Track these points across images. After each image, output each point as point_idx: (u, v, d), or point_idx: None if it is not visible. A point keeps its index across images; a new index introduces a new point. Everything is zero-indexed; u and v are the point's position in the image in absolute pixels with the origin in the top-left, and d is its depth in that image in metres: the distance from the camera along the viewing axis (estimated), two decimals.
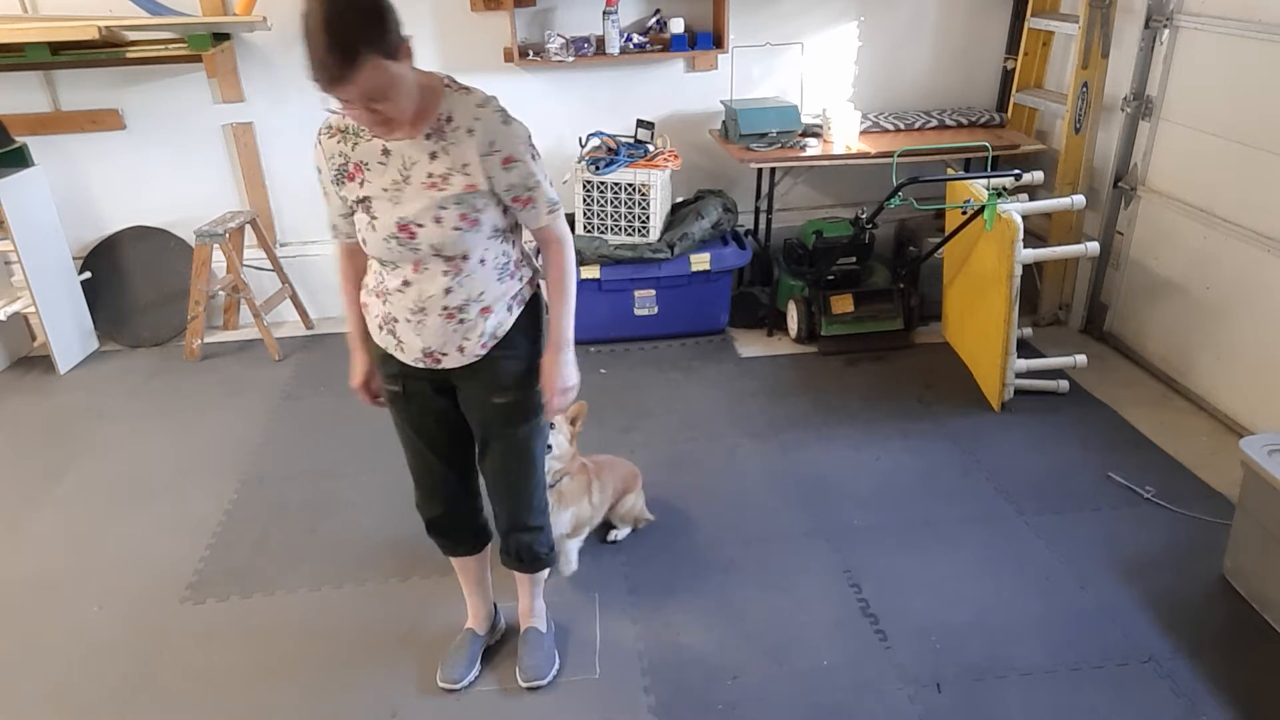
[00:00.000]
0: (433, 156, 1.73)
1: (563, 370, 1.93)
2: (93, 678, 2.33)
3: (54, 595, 2.63)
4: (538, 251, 2.00)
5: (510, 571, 2.29)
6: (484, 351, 1.90)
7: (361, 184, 1.78)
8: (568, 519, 2.52)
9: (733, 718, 2.16)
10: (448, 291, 1.81)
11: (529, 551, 2.19)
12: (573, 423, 2.51)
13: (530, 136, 1.80)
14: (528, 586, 2.33)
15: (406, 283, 1.82)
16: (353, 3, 1.53)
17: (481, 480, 2.16)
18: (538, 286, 2.00)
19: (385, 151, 1.75)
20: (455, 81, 1.78)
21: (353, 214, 1.84)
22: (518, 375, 1.95)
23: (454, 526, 2.20)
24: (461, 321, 1.85)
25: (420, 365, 1.90)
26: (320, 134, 1.80)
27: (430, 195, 1.74)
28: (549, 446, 2.31)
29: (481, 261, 1.83)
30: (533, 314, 1.97)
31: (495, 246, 1.84)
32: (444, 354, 1.88)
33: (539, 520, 2.16)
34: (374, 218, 1.77)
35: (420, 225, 1.75)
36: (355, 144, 1.77)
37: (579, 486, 2.55)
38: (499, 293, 1.87)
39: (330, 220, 1.92)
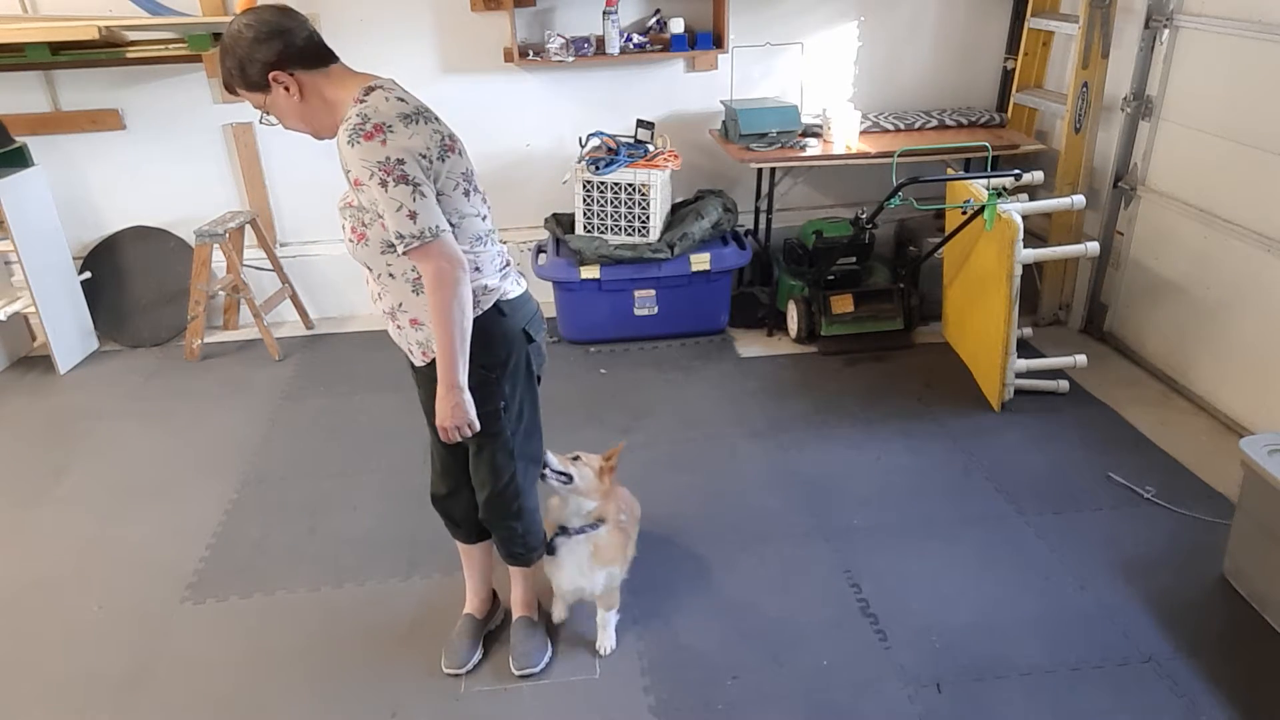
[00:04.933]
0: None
1: (442, 406, 1.85)
2: (93, 678, 2.33)
3: (54, 595, 2.63)
4: (506, 265, 1.99)
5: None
6: (425, 360, 1.96)
7: None
8: (601, 580, 2.26)
9: (733, 718, 2.16)
10: (378, 296, 1.95)
11: (502, 546, 2.27)
12: (607, 459, 2.29)
13: (388, 159, 1.68)
14: (519, 575, 2.37)
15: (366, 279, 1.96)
16: (225, 49, 1.80)
17: None
18: (496, 305, 1.93)
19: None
20: (370, 92, 1.76)
21: None
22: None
23: (455, 509, 2.28)
24: (399, 327, 1.96)
25: None
26: None
27: (340, 206, 1.88)
28: (568, 476, 2.19)
29: (391, 275, 1.87)
30: (479, 331, 1.86)
31: (399, 261, 1.84)
32: (405, 350, 2.02)
33: (508, 522, 2.18)
34: None
35: (344, 225, 1.88)
36: None
37: (617, 544, 2.29)
38: (420, 306, 1.88)
39: None
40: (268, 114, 1.84)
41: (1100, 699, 2.17)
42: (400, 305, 1.91)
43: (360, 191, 1.76)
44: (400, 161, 1.69)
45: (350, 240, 1.86)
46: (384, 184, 1.69)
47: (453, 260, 1.75)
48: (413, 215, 1.71)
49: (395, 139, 1.70)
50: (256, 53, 1.74)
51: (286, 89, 1.77)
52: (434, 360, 1.88)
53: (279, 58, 1.75)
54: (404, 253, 1.75)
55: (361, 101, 1.75)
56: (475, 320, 1.86)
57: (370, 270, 1.90)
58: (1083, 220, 3.96)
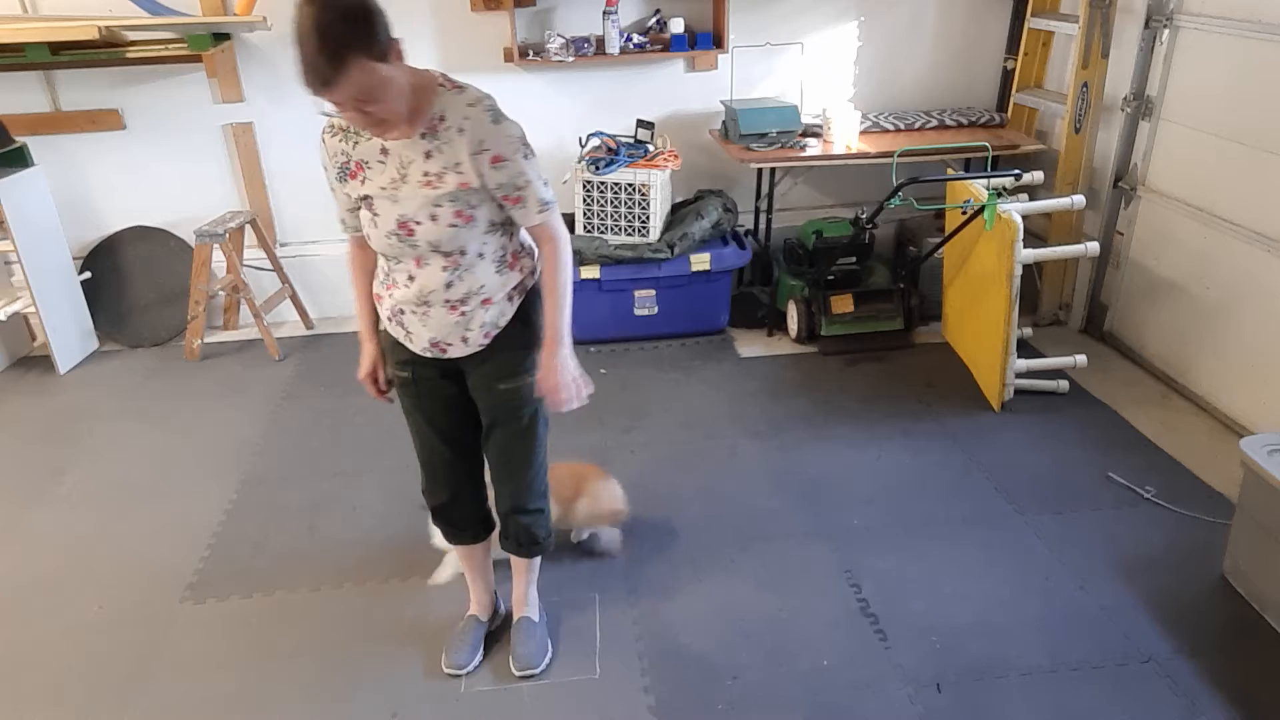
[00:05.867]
0: (427, 155, 1.77)
1: (559, 367, 1.93)
2: (93, 678, 2.33)
3: (54, 595, 2.63)
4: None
5: (505, 562, 2.35)
6: (486, 341, 1.96)
7: (363, 182, 1.82)
8: None
9: (733, 718, 2.16)
10: (448, 285, 1.88)
11: (527, 534, 2.22)
12: None
13: (522, 135, 1.81)
14: (522, 574, 2.37)
15: (411, 277, 1.88)
16: (340, 7, 1.55)
17: (486, 467, 2.20)
18: (537, 276, 2.01)
19: (384, 150, 1.79)
20: (450, 80, 1.81)
21: (358, 210, 1.89)
22: (521, 362, 2.00)
23: (459, 513, 2.25)
24: (463, 314, 1.91)
25: (428, 355, 1.98)
26: (324, 132, 1.85)
27: (426, 194, 1.78)
28: None
29: (480, 255, 1.88)
30: (534, 303, 2.00)
31: (493, 240, 1.89)
32: (449, 344, 1.95)
33: (539, 504, 2.20)
34: (375, 215, 1.83)
35: (418, 223, 1.80)
36: (356, 143, 1.81)
37: None
38: (498, 284, 1.92)
39: (339, 215, 1.97)
40: (367, 103, 1.62)
41: (1100, 699, 2.17)
42: (481, 287, 1.90)
43: (499, 169, 1.78)
44: (524, 137, 1.82)
45: (452, 225, 1.79)
46: (526, 157, 1.81)
47: (563, 224, 1.94)
48: (546, 183, 1.87)
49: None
50: (381, 13, 1.61)
51: (400, 58, 1.66)
52: (494, 340, 1.95)
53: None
54: (543, 220, 1.87)
55: (460, 88, 1.79)
56: (533, 288, 2.00)
57: (456, 255, 1.84)
58: (1083, 220, 3.97)
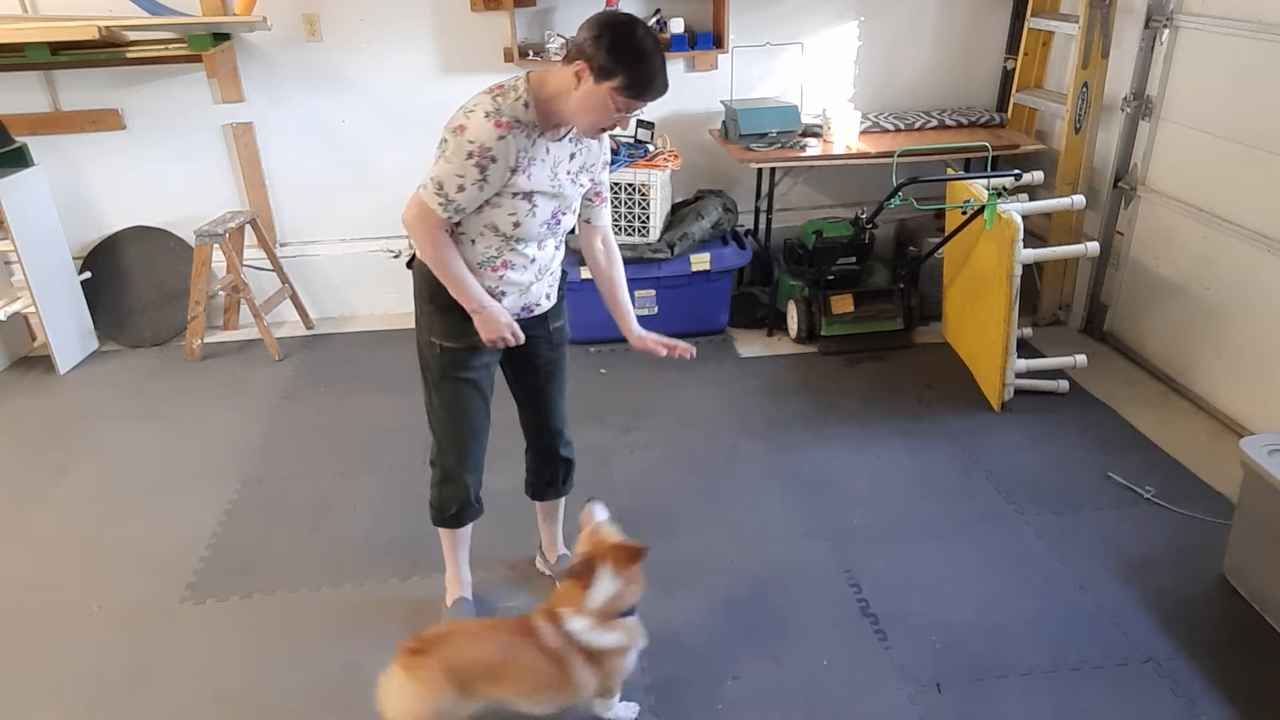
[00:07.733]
0: (571, 156, 2.01)
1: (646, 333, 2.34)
2: (93, 678, 2.33)
3: (54, 595, 2.63)
4: None
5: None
6: (556, 294, 2.25)
7: (529, 177, 1.94)
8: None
9: (732, 718, 2.16)
10: (554, 259, 2.17)
11: (569, 465, 2.46)
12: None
13: None
14: (556, 515, 2.58)
15: (533, 259, 2.08)
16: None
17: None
18: None
19: (547, 150, 1.95)
20: None
21: (482, 205, 1.95)
22: (563, 302, 2.30)
23: (477, 485, 2.34)
24: (553, 273, 2.20)
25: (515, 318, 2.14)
26: (509, 125, 1.86)
27: (572, 189, 2.04)
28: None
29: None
30: None
31: None
32: (538, 304, 2.18)
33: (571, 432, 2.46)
34: (534, 207, 1.99)
35: (564, 214, 2.08)
36: (534, 140, 1.92)
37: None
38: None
39: (462, 204, 1.91)
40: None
41: (1100, 699, 2.17)
42: (563, 254, 2.23)
43: (605, 171, 2.16)
44: None
45: (574, 212, 2.12)
46: None
47: None
48: None
49: None
50: None
51: None
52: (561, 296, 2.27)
53: None
54: (609, 220, 2.27)
55: None
56: None
57: (558, 239, 2.15)
58: (1083, 220, 3.97)
